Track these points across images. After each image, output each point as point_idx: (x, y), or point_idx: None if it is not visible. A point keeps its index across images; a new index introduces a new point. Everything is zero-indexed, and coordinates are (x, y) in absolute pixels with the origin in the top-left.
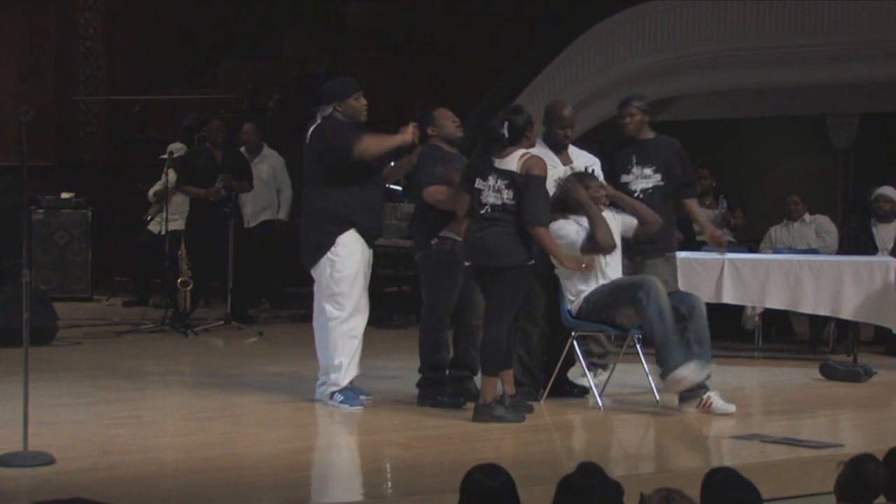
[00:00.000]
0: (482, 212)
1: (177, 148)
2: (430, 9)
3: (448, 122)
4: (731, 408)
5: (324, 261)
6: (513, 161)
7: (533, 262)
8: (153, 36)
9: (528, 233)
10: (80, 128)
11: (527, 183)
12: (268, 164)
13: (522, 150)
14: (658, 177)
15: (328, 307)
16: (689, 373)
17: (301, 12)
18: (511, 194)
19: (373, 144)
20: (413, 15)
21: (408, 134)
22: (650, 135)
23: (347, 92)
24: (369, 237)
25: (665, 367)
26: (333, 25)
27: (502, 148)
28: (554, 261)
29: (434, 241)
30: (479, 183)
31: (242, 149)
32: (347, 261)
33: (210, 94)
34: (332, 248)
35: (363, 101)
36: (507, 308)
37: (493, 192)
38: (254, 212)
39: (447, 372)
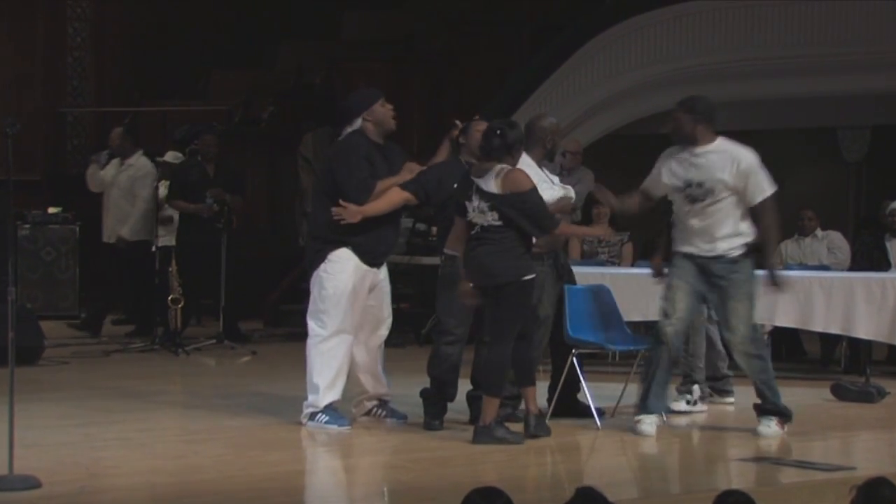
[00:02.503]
0: (472, 231)
1: (171, 157)
2: (430, 17)
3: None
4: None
5: (315, 276)
6: (490, 179)
7: (532, 276)
8: (143, 46)
9: (529, 246)
10: (67, 140)
11: (519, 201)
12: (127, 175)
13: (500, 166)
14: None
15: (311, 324)
16: None
17: (296, 21)
18: (495, 216)
19: (377, 205)
20: (412, 24)
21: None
22: None
23: (371, 100)
24: (368, 258)
25: None
26: (330, 34)
27: (486, 159)
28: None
29: (441, 258)
30: (466, 204)
31: (106, 152)
32: (334, 279)
33: (202, 105)
34: (322, 265)
35: (389, 107)
36: (508, 326)
37: (479, 213)
38: (112, 226)
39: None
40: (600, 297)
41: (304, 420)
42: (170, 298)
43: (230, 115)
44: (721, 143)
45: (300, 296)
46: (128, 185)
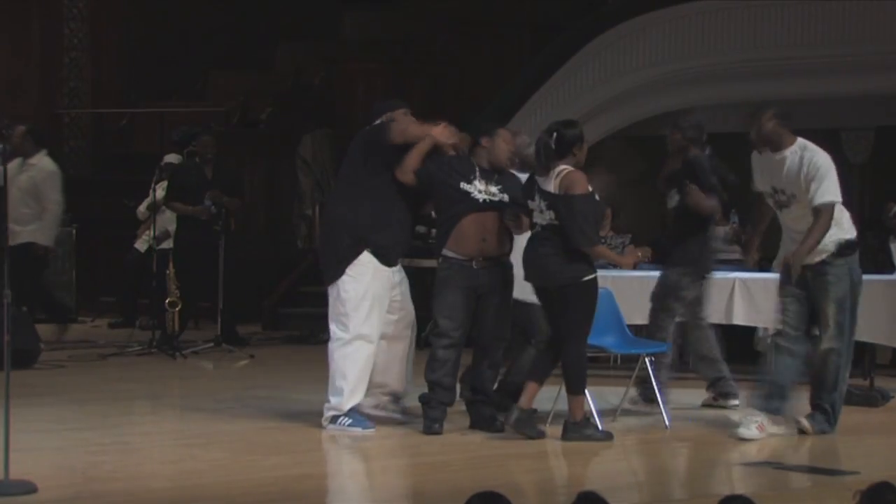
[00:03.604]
0: (534, 230)
1: (173, 158)
2: (430, 18)
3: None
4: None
5: (336, 280)
6: (551, 179)
7: (592, 276)
8: (141, 46)
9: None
10: (64, 142)
11: (567, 203)
12: (28, 175)
13: (562, 167)
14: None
15: (332, 327)
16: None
17: (295, 21)
18: (552, 215)
19: (408, 165)
20: (412, 24)
21: (437, 132)
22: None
23: (394, 107)
24: (385, 257)
25: None
26: (329, 35)
27: (548, 161)
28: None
29: (439, 260)
30: (530, 203)
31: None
32: (355, 282)
33: (200, 106)
34: (348, 267)
35: (410, 118)
36: (578, 325)
37: (539, 213)
38: (11, 226)
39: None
40: (602, 301)
41: (326, 423)
42: (167, 301)
43: (228, 117)
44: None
45: (299, 299)
46: (28, 186)
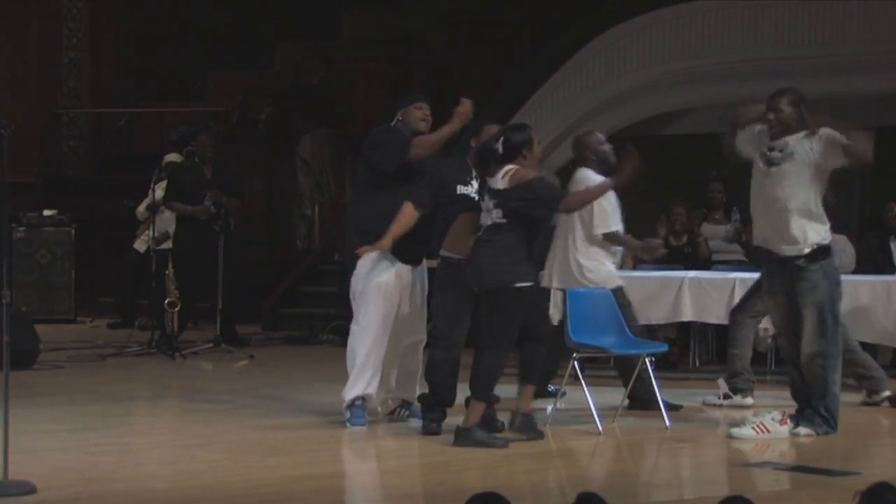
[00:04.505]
0: (478, 234)
1: (174, 158)
2: (430, 17)
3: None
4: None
5: (353, 277)
6: (498, 178)
7: (528, 284)
8: (140, 46)
9: (530, 250)
10: (63, 142)
11: (525, 186)
12: None
13: (510, 167)
14: None
15: (352, 324)
16: None
17: (294, 21)
18: (499, 213)
19: (426, 139)
20: (412, 23)
21: (462, 109)
22: None
23: (409, 101)
24: (403, 255)
25: None
26: (328, 34)
27: (495, 164)
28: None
29: (438, 261)
30: (481, 203)
31: None
32: (362, 277)
33: (199, 106)
34: (359, 261)
35: (424, 111)
36: (499, 332)
37: (486, 213)
38: None
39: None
40: (602, 301)
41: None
42: (166, 302)
43: (228, 117)
44: None
45: (298, 299)
46: None
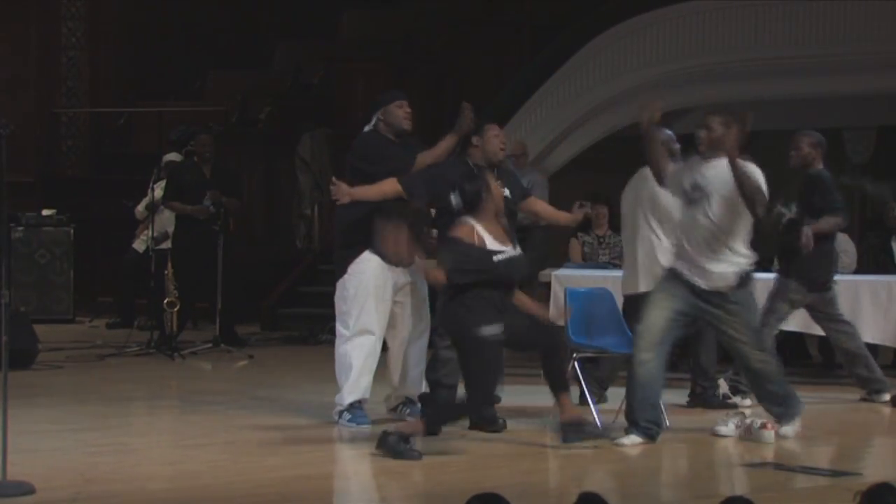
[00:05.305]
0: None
1: (171, 158)
2: (430, 16)
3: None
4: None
5: (339, 281)
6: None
7: (495, 333)
8: (139, 45)
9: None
10: (62, 141)
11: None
12: None
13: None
14: None
15: (338, 326)
16: None
17: (294, 20)
18: None
19: (430, 158)
20: (411, 23)
21: (464, 117)
22: None
23: (390, 98)
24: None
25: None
26: (328, 34)
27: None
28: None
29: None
30: None
31: None
32: (356, 279)
33: (198, 106)
34: (350, 265)
35: (406, 109)
36: (472, 382)
37: None
38: None
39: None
40: (601, 301)
41: (336, 418)
42: (165, 302)
43: (227, 116)
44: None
45: (298, 299)
46: None
